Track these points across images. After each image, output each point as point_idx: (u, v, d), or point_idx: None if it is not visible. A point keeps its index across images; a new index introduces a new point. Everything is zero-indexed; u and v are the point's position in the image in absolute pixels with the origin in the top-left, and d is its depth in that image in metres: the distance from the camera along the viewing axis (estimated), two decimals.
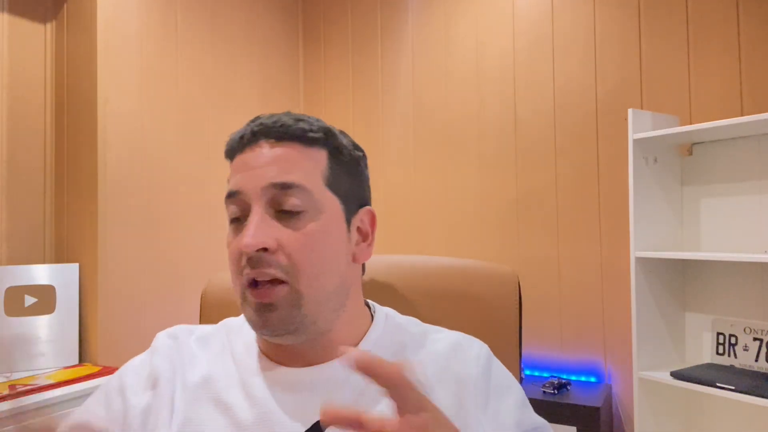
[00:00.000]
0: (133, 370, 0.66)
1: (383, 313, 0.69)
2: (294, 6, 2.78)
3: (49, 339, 1.83)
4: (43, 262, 1.99)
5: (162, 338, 0.68)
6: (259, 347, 0.65)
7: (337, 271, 0.62)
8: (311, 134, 0.62)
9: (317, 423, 0.56)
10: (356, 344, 0.63)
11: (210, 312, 0.88)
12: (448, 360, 0.63)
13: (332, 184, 0.62)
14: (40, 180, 2.00)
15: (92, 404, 0.65)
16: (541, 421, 0.65)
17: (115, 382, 0.65)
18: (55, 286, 1.86)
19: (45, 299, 1.84)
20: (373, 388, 0.59)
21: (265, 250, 0.57)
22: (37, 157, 2.00)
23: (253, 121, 0.63)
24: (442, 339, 0.66)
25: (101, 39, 1.91)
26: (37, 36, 2.01)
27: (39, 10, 2.02)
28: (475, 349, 0.65)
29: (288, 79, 2.72)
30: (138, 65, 2.03)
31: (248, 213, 0.59)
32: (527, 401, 0.66)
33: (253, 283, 0.58)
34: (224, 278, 0.91)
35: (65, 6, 2.03)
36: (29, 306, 1.81)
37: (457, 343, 0.65)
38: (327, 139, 0.63)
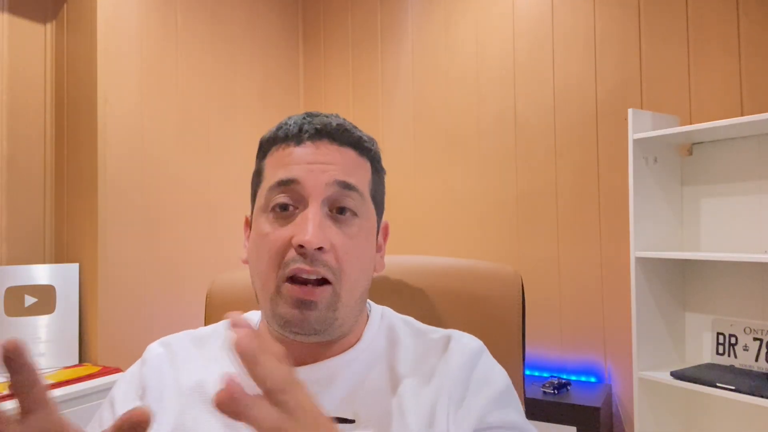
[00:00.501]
0: (123, 382, 0.66)
1: (379, 311, 0.69)
2: (294, 6, 2.78)
3: (49, 339, 1.83)
4: (43, 262, 1.99)
5: (153, 348, 0.68)
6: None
7: (368, 278, 0.64)
8: (365, 143, 0.64)
9: None
10: (355, 344, 0.64)
11: (215, 313, 0.88)
12: (437, 358, 0.63)
13: (373, 194, 0.64)
14: (40, 180, 2.00)
15: (92, 423, 0.66)
16: (514, 421, 0.59)
17: (107, 397, 0.66)
18: (55, 286, 1.86)
19: (45, 299, 1.84)
20: (365, 386, 0.59)
21: (320, 249, 0.57)
22: (37, 157, 2.00)
23: (308, 116, 0.63)
24: (433, 338, 0.66)
25: (101, 39, 1.91)
26: (37, 36, 2.01)
27: (39, 10, 2.02)
28: (462, 343, 0.64)
29: (288, 78, 2.72)
30: (138, 65, 2.03)
31: (300, 205, 0.59)
32: (511, 400, 0.62)
33: (294, 279, 0.57)
34: (229, 279, 0.91)
35: (65, 6, 2.03)
36: (29, 306, 1.81)
37: (446, 339, 0.65)
38: (374, 150, 0.65)
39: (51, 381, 1.65)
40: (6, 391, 1.57)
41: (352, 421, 0.57)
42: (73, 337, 1.88)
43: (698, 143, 1.83)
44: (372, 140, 0.66)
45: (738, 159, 1.75)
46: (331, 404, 0.58)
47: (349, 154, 0.62)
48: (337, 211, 0.59)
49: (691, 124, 1.86)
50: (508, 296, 0.80)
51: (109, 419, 0.63)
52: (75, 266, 1.91)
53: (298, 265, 0.56)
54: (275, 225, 0.59)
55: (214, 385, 0.61)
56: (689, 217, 1.85)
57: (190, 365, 0.64)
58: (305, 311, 0.57)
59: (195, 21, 2.25)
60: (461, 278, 0.83)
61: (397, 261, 0.87)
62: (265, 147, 0.65)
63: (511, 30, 2.24)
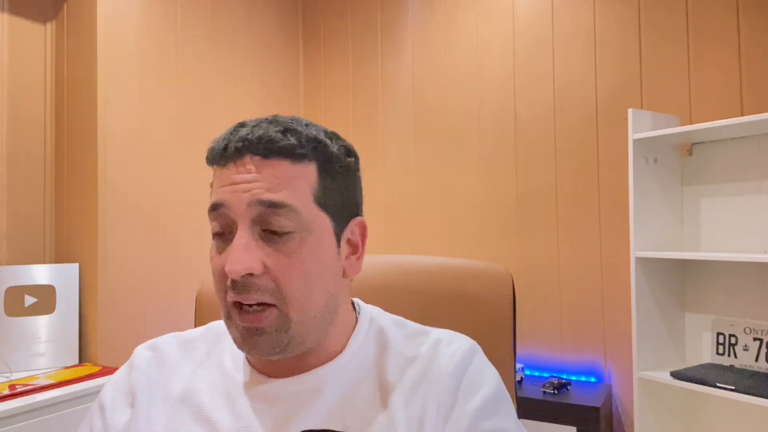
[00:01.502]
0: (112, 386, 0.65)
1: (368, 315, 0.67)
2: (294, 6, 2.78)
3: (49, 339, 1.83)
4: (43, 262, 1.99)
5: (140, 352, 0.66)
6: (246, 357, 0.64)
7: (326, 290, 0.59)
8: (299, 150, 0.57)
9: None
10: (341, 350, 0.62)
11: (205, 314, 0.88)
12: (427, 364, 0.61)
13: (321, 201, 0.58)
14: (40, 180, 2.00)
15: (82, 428, 0.65)
16: (502, 428, 0.58)
17: (96, 402, 0.65)
18: (55, 286, 1.86)
19: (45, 299, 1.84)
20: (355, 397, 0.59)
21: (251, 274, 0.54)
22: (37, 157, 2.00)
23: (236, 129, 0.59)
24: (424, 341, 0.64)
25: (101, 39, 1.91)
26: (37, 36, 2.01)
27: (39, 10, 2.02)
28: (452, 347, 0.62)
29: (288, 78, 2.72)
30: (138, 65, 2.03)
31: (232, 229, 0.56)
32: (501, 405, 0.59)
33: (239, 306, 0.56)
34: None
35: (65, 6, 2.03)
36: (29, 306, 1.81)
37: (436, 344, 0.63)
38: (317, 152, 0.59)
39: (51, 381, 1.65)
40: (6, 391, 1.58)
41: None
42: (73, 337, 1.88)
43: (698, 143, 1.83)
44: (314, 140, 0.59)
45: (738, 159, 1.75)
46: (319, 416, 0.57)
47: (279, 166, 0.56)
48: (269, 231, 0.56)
49: (691, 124, 1.86)
50: (499, 295, 0.81)
51: (99, 426, 0.62)
52: (75, 266, 1.91)
53: (232, 295, 0.55)
54: (215, 252, 0.58)
55: (202, 393, 0.61)
56: (689, 217, 1.85)
57: (178, 370, 0.64)
58: (253, 338, 0.55)
59: (195, 21, 2.25)
60: (453, 277, 0.83)
61: (389, 261, 0.88)
62: (211, 166, 0.63)
63: (511, 30, 2.24)
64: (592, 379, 2.03)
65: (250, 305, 0.55)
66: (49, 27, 2.04)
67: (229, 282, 0.55)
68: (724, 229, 1.77)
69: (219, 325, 0.70)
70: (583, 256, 2.07)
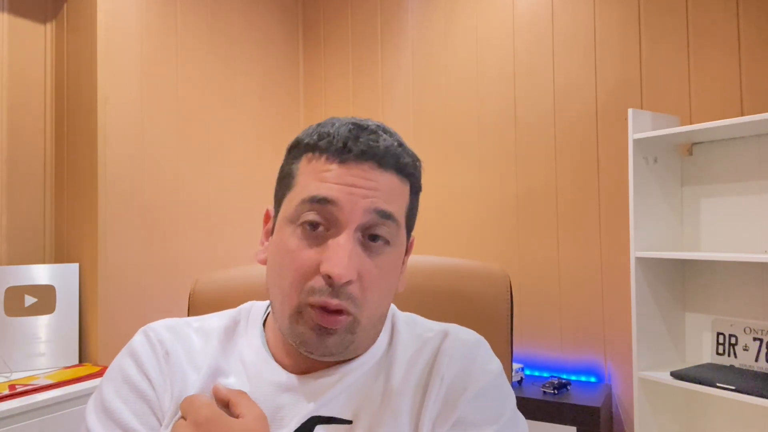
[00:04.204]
0: (137, 354, 0.64)
1: None
2: (294, 5, 2.78)
3: (49, 339, 1.83)
4: (43, 262, 1.99)
5: (157, 328, 0.66)
6: (271, 352, 0.63)
7: (389, 302, 0.62)
8: (409, 169, 0.61)
9: (307, 421, 0.57)
10: (367, 349, 0.63)
11: (198, 313, 0.88)
12: (432, 357, 0.62)
13: (407, 218, 0.62)
14: (40, 180, 2.00)
15: (112, 398, 0.62)
16: (482, 419, 0.58)
17: (124, 370, 0.63)
18: (55, 286, 1.86)
19: (45, 299, 1.84)
20: (365, 389, 0.60)
21: (348, 281, 0.55)
22: (37, 157, 2.00)
23: (354, 128, 0.59)
24: (432, 336, 0.65)
25: (101, 39, 1.91)
26: (37, 36, 2.01)
27: (39, 10, 2.02)
28: (458, 341, 0.63)
29: (288, 78, 2.72)
30: (138, 65, 2.03)
31: (333, 227, 0.56)
32: (498, 396, 0.60)
33: (319, 306, 0.56)
34: (212, 279, 0.90)
35: (65, 6, 2.03)
36: (29, 306, 1.81)
37: (443, 337, 0.64)
38: (415, 174, 0.63)
39: (51, 381, 1.65)
40: (6, 391, 1.58)
41: (350, 422, 0.58)
42: (73, 337, 1.88)
43: (698, 143, 1.84)
44: (416, 163, 0.63)
45: (738, 159, 1.75)
46: (334, 406, 0.59)
47: (392, 180, 0.59)
48: (370, 237, 0.57)
49: (691, 124, 1.86)
50: (496, 294, 0.81)
51: (146, 387, 0.62)
52: (75, 266, 1.91)
53: (325, 298, 0.55)
54: (303, 243, 0.56)
55: (228, 379, 0.62)
56: (689, 217, 1.85)
57: (199, 353, 0.65)
58: (324, 336, 0.56)
59: (195, 21, 2.25)
60: (450, 277, 0.84)
61: None
62: (302, 150, 0.60)
63: (511, 30, 2.24)
64: (592, 379, 2.03)
65: (332, 309, 0.55)
66: (49, 27, 2.04)
67: (318, 282, 0.55)
68: (724, 229, 1.77)
69: (230, 322, 0.68)
70: (583, 256, 2.07)
